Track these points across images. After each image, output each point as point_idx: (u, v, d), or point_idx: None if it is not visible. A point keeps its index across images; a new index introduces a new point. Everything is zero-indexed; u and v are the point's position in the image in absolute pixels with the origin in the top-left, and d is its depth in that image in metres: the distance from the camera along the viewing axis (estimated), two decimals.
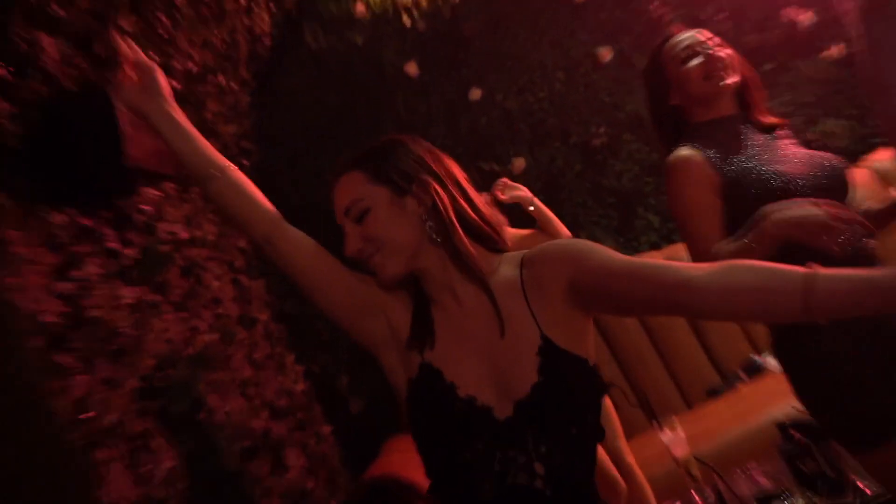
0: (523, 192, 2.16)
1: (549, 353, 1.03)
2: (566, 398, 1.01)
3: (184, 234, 1.82)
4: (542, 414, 1.01)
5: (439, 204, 1.09)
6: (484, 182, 3.13)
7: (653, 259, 1.05)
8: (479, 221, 1.12)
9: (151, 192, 1.80)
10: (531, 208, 2.12)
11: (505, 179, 2.21)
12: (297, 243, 1.12)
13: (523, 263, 1.10)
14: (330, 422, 2.75)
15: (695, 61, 1.52)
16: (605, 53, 3.28)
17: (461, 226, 1.10)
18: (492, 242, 1.13)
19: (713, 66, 1.50)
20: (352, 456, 2.76)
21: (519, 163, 3.28)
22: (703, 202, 1.41)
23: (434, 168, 1.12)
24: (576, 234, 3.19)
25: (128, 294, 1.54)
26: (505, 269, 1.11)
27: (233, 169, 1.12)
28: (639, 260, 1.05)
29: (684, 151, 1.46)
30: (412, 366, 1.10)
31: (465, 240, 1.10)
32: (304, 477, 2.24)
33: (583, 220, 3.28)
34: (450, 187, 1.12)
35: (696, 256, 1.40)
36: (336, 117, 3.19)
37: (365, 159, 1.13)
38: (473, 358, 1.07)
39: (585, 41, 3.31)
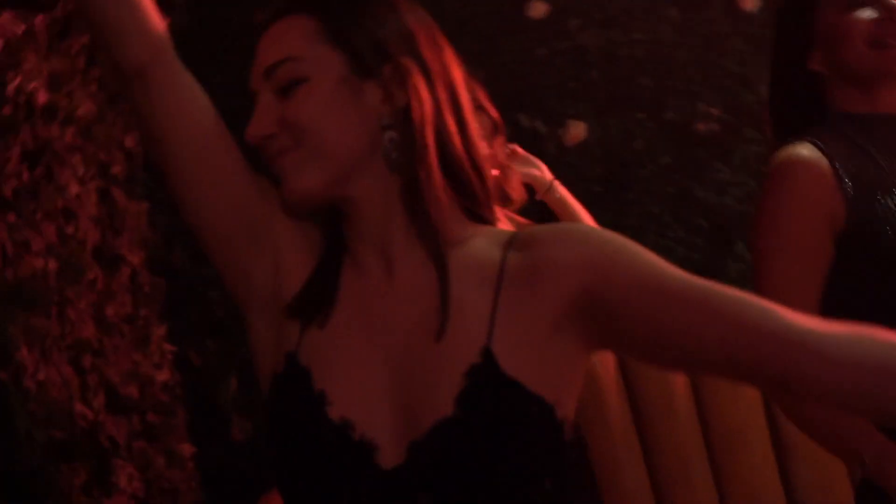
0: (539, 169, 2.16)
1: (484, 376, 1.01)
2: (492, 451, 0.99)
3: (42, 99, 1.85)
4: (448, 470, 1.00)
5: (416, 108, 1.06)
6: (522, 145, 3.23)
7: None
8: (467, 161, 1.09)
9: (9, 22, 1.82)
10: (548, 193, 2.12)
11: (516, 147, 2.21)
12: (183, 87, 1.09)
13: (513, 244, 1.08)
14: (196, 440, 2.78)
15: (867, 12, 1.48)
16: None
17: (439, 156, 1.07)
18: (474, 201, 1.10)
19: (893, 30, 1.47)
20: (214, 500, 2.78)
21: (576, 129, 3.29)
22: (805, 235, 1.40)
23: (425, 55, 1.09)
24: None
25: None
26: (479, 245, 1.09)
27: None
28: (705, 282, 1.03)
29: (803, 151, 1.44)
30: (281, 350, 1.09)
31: (438, 178, 1.07)
32: None
33: (651, 238, 3.29)
34: (439, 91, 1.08)
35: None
36: None
37: (324, 4, 1.10)
38: (375, 361, 1.06)
39: None
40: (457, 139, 1.08)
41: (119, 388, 2.29)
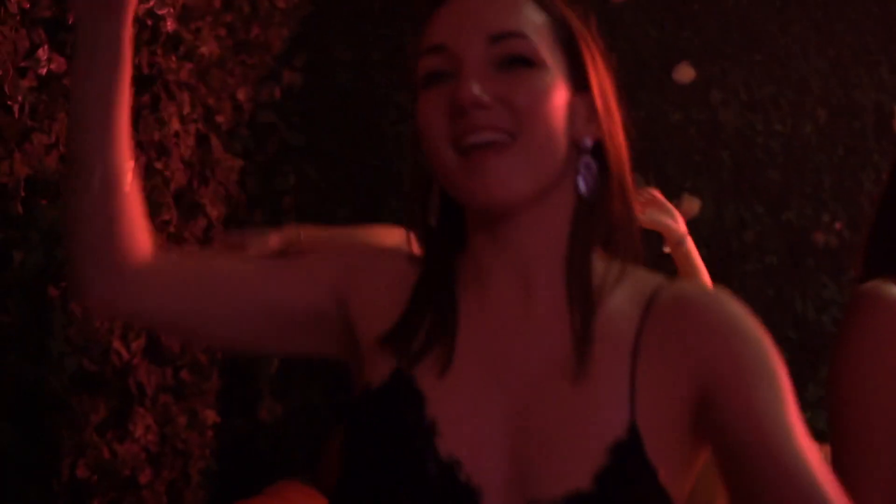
0: (675, 220, 2.08)
1: (629, 456, 0.91)
2: None
3: (169, 27, 1.80)
4: None
5: (614, 141, 1.02)
6: None
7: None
8: (631, 209, 1.03)
9: None
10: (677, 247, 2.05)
11: (656, 192, 2.14)
12: (174, 281, 1.08)
13: (653, 300, 0.99)
14: (222, 411, 2.73)
15: None
16: None
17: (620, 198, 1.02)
18: (624, 238, 1.03)
19: None
20: (224, 473, 2.73)
21: (690, 205, 3.21)
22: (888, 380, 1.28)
23: (612, 87, 1.07)
24: None
25: (46, 60, 1.53)
26: (621, 296, 1.00)
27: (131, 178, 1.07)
28: (804, 435, 0.93)
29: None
30: (378, 367, 1.01)
31: (633, 214, 1.02)
32: (142, 462, 2.21)
33: None
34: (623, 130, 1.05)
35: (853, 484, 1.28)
36: None
37: (552, 4, 1.04)
38: (496, 401, 0.96)
39: (885, 86, 3.22)
40: (629, 182, 1.03)
41: (161, 337, 2.23)
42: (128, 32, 1.02)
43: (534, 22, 1.00)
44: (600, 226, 1.01)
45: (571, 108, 1.00)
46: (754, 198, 3.24)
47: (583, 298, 0.98)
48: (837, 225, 3.22)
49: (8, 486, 1.65)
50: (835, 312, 3.19)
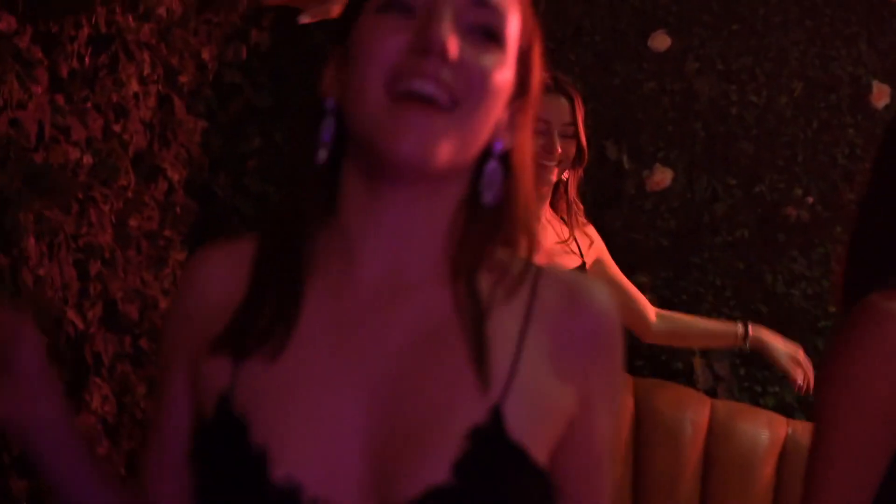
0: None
1: (489, 440, 0.87)
2: None
3: None
4: None
5: (521, 154, 1.00)
6: (598, 174, 3.12)
7: None
8: (528, 212, 1.01)
9: None
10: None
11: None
12: None
13: (538, 285, 0.96)
14: None
15: None
16: (882, 94, 3.16)
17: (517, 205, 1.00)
18: (513, 227, 0.99)
19: None
20: None
21: (662, 175, 3.19)
22: (877, 425, 1.23)
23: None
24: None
25: None
26: (501, 290, 0.97)
27: None
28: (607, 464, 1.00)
29: None
30: (208, 389, 0.93)
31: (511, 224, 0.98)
32: (100, 434, 2.16)
33: (704, 309, 3.17)
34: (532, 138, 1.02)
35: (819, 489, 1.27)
36: None
37: (530, 8, 1.01)
38: (348, 402, 0.90)
39: (862, 61, 3.19)
40: (533, 196, 1.01)
41: (119, 304, 2.17)
42: (67, 419, 1.03)
43: (512, 7, 0.96)
44: (495, 229, 0.97)
45: (503, 107, 0.97)
46: (726, 170, 3.22)
47: (471, 290, 0.94)
48: (809, 199, 3.21)
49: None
50: (804, 287, 3.18)
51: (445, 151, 0.90)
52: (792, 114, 3.22)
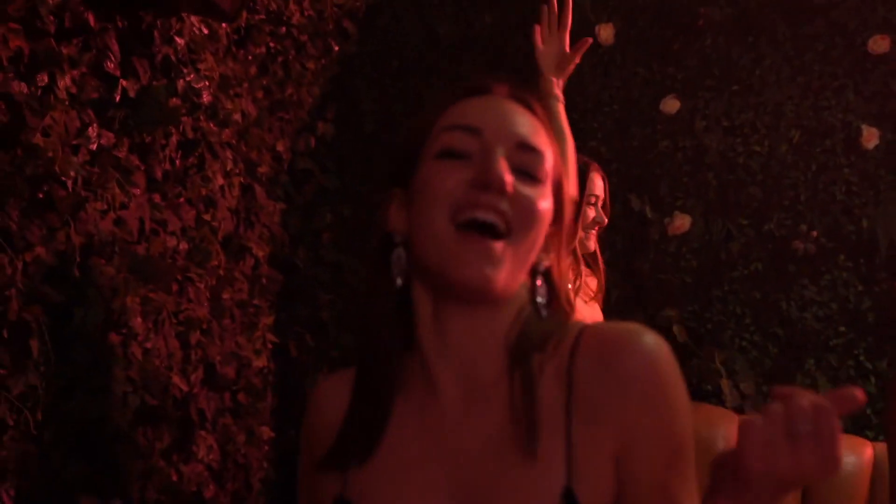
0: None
1: None
2: None
3: (207, 98, 1.75)
4: None
5: (559, 267, 1.00)
6: (625, 224, 3.08)
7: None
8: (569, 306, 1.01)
9: (195, 24, 1.72)
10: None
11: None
12: None
13: (576, 360, 0.92)
14: (276, 425, 2.67)
15: None
16: (871, 137, 3.07)
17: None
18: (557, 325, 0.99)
19: None
20: (282, 480, 2.67)
21: (681, 221, 3.13)
22: None
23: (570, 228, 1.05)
24: (711, 353, 3.05)
25: (95, 136, 1.47)
26: (548, 359, 0.94)
27: None
28: (686, 475, 0.90)
29: None
30: (325, 493, 0.96)
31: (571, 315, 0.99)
32: (206, 479, 2.15)
33: (727, 336, 3.09)
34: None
35: None
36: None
37: (546, 118, 1.02)
38: (439, 494, 0.90)
39: (852, 108, 3.12)
40: (568, 296, 1.01)
41: (218, 367, 2.18)
42: None
43: (549, 149, 0.98)
44: (542, 332, 0.96)
45: (545, 234, 0.98)
46: (738, 212, 3.15)
47: (527, 390, 0.91)
48: (814, 233, 3.12)
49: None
50: (815, 310, 3.09)
51: (504, 275, 0.91)
52: (792, 159, 3.15)
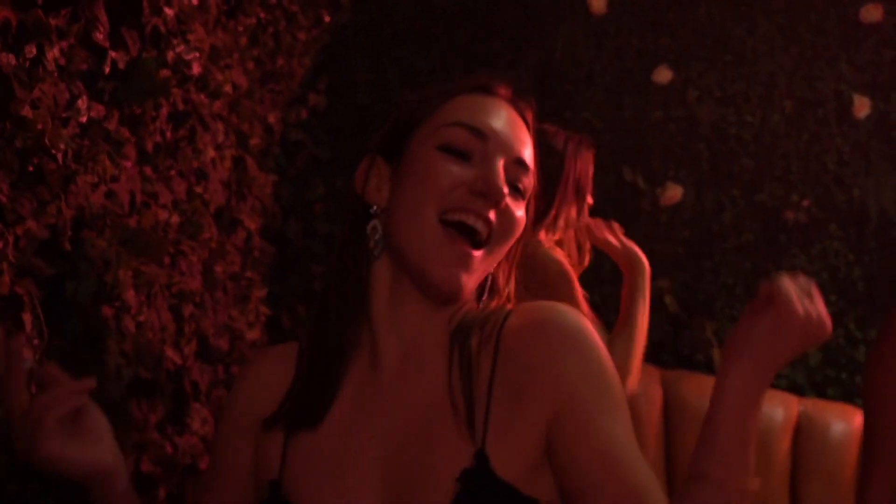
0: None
1: (477, 480, 0.88)
2: None
3: (197, 69, 1.73)
4: None
5: (504, 277, 1.07)
6: (617, 195, 3.08)
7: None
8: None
9: None
10: None
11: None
12: None
13: (501, 339, 0.96)
14: None
15: None
16: (862, 106, 3.07)
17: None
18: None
19: None
20: None
21: (673, 192, 3.12)
22: None
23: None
24: (702, 323, 3.06)
25: (85, 109, 1.45)
26: (478, 337, 0.99)
27: None
28: (629, 440, 0.93)
29: None
30: (264, 465, 1.00)
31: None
32: (201, 451, 2.16)
33: (719, 306, 3.10)
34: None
35: (871, 464, 1.25)
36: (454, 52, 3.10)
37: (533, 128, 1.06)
38: (371, 464, 0.94)
39: (844, 77, 3.11)
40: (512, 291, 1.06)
41: (211, 339, 2.18)
42: (124, 471, 1.09)
43: (533, 166, 1.02)
44: (481, 314, 1.00)
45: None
46: (730, 183, 3.16)
47: (465, 365, 0.95)
48: (805, 203, 3.13)
49: (76, 488, 1.60)
50: (822, 286, 3.10)
51: (472, 283, 0.97)
52: (784, 129, 3.15)
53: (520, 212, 0.98)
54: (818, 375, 3.08)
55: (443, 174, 0.95)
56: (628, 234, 3.03)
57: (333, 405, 0.97)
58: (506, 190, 0.95)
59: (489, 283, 1.02)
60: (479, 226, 0.95)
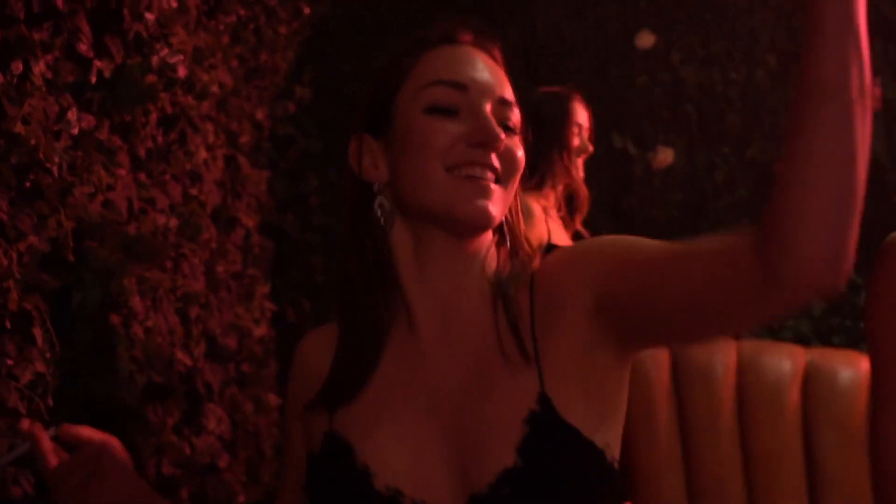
0: None
1: (544, 423, 0.90)
2: (553, 499, 0.89)
3: (182, 72, 1.73)
4: None
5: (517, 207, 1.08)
6: (609, 162, 3.08)
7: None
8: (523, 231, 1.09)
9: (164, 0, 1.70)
10: None
11: None
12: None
13: (534, 282, 0.99)
14: (282, 391, 2.69)
15: None
16: None
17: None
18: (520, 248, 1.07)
19: None
20: None
21: (665, 155, 3.13)
22: None
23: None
24: None
25: (76, 120, 1.46)
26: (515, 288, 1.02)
27: None
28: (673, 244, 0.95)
29: None
30: (315, 432, 1.01)
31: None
32: (219, 450, 2.17)
33: None
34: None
35: (879, 403, 1.27)
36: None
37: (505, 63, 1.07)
38: (426, 420, 0.95)
39: None
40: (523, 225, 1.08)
41: (219, 339, 2.19)
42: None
43: (514, 100, 1.04)
44: (517, 264, 1.02)
45: None
46: (720, 141, 3.16)
47: (510, 309, 0.97)
48: None
49: None
50: None
51: (499, 212, 0.98)
52: (770, 84, 3.15)
53: (515, 146, 1.00)
54: (822, 325, 3.09)
55: (438, 135, 0.96)
56: (623, 202, 3.05)
57: (375, 377, 0.99)
58: (502, 135, 0.96)
59: (507, 226, 1.04)
60: (487, 174, 0.97)
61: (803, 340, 3.03)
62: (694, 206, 3.16)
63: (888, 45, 3.06)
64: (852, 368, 2.83)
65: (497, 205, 0.97)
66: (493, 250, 1.02)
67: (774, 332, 3.08)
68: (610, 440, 0.93)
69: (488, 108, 0.98)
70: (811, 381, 2.82)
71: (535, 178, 2.24)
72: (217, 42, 2.16)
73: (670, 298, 0.88)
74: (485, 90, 0.99)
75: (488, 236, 1.02)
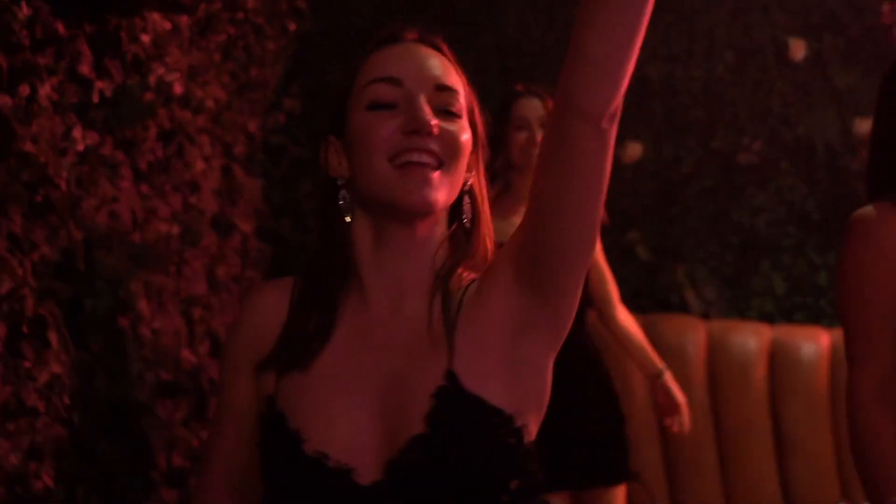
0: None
1: (449, 395, 0.95)
2: (459, 460, 0.94)
3: (178, 89, 1.76)
4: (421, 480, 0.94)
5: (478, 188, 1.08)
6: None
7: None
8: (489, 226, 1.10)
9: (158, 20, 1.73)
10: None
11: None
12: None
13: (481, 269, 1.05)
14: None
15: None
16: (798, 49, 3.12)
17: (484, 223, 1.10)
18: (479, 241, 1.08)
19: None
20: None
21: (634, 150, 3.17)
22: (882, 289, 1.29)
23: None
24: (674, 267, 3.12)
25: (80, 138, 1.49)
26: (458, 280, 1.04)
27: None
28: None
29: (881, 211, 1.33)
30: (261, 393, 1.03)
31: (484, 244, 1.07)
32: None
33: (688, 248, 3.16)
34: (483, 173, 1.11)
35: (853, 363, 1.32)
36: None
37: (453, 56, 1.08)
38: (364, 390, 0.99)
39: (778, 24, 3.16)
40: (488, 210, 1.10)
41: (222, 337, 2.21)
42: None
43: (460, 85, 1.06)
44: (468, 248, 1.05)
45: (468, 158, 1.06)
46: (685, 134, 3.20)
47: (445, 301, 1.01)
48: (756, 145, 3.18)
49: (115, 485, 1.64)
50: (765, 217, 3.17)
51: (442, 196, 1.00)
52: (729, 78, 3.20)
53: (457, 129, 1.02)
54: (786, 303, 3.15)
55: (378, 129, 0.99)
56: None
57: (326, 348, 1.01)
58: (434, 120, 0.99)
59: (468, 201, 1.06)
60: (425, 158, 0.99)
61: (768, 318, 3.09)
62: (663, 195, 3.20)
63: (838, 36, 3.11)
64: (814, 343, 2.89)
65: (439, 189, 0.99)
66: (447, 235, 1.05)
67: (742, 312, 3.13)
68: (530, 426, 0.99)
69: (423, 97, 1.00)
70: (776, 356, 2.88)
71: (498, 185, 2.19)
72: (210, 60, 2.19)
73: (542, 197, 0.94)
74: (419, 80, 1.01)
75: (441, 220, 1.05)
